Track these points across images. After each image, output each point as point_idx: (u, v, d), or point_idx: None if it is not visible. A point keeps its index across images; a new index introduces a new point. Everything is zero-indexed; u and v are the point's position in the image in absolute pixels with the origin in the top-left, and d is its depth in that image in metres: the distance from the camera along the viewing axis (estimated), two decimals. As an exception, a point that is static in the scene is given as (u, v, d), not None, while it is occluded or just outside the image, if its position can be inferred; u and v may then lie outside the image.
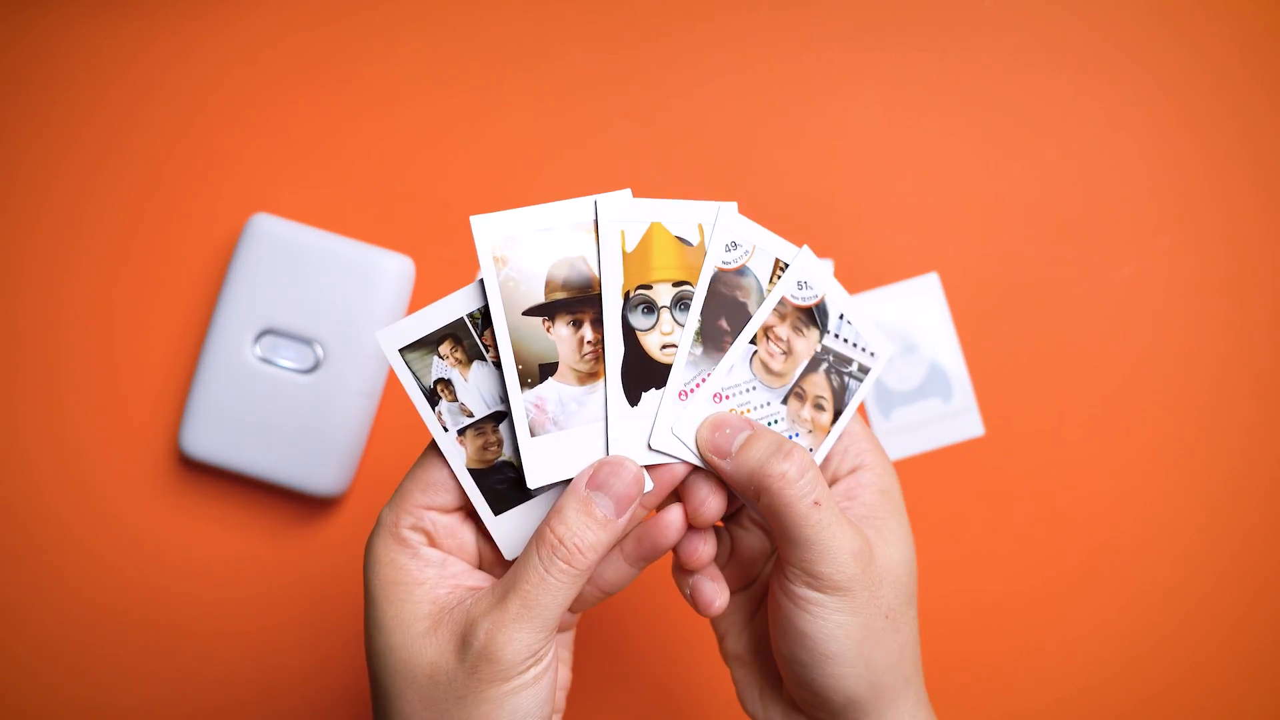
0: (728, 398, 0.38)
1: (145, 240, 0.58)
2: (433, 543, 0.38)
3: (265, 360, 0.54)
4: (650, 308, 0.38)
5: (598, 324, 0.38)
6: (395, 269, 0.55)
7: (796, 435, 0.39)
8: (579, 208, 0.38)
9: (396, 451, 0.57)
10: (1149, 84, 0.57)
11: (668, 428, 0.38)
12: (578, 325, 0.38)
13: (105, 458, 0.57)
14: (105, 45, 0.59)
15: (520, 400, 0.37)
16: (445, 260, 0.57)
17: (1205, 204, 0.56)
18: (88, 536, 0.57)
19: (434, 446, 0.39)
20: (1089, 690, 0.55)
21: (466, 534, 0.39)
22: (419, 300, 0.57)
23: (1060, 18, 0.57)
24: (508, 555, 0.38)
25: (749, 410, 0.39)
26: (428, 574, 0.38)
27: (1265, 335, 0.56)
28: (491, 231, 0.39)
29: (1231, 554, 0.55)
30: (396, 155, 0.58)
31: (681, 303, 0.38)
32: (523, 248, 0.38)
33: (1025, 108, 0.57)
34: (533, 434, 0.38)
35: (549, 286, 0.38)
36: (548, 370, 0.38)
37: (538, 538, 0.36)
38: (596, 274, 0.38)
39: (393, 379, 0.57)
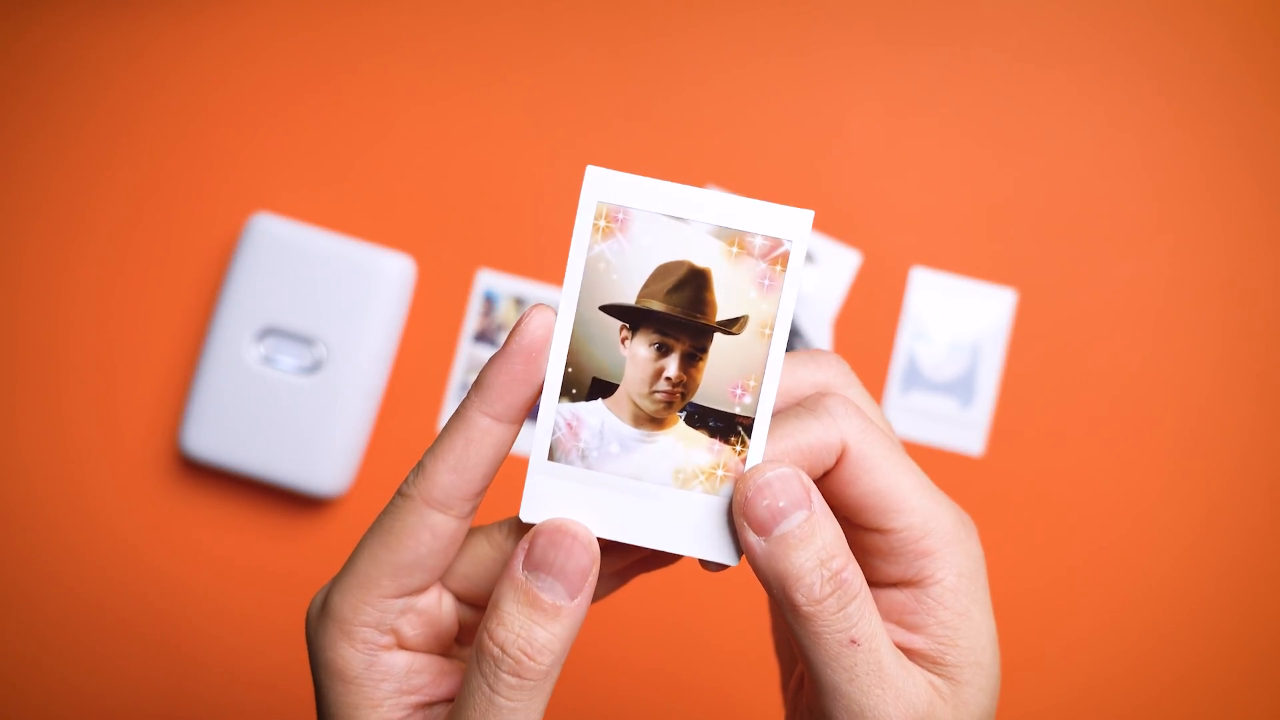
0: None
1: (145, 240, 0.58)
2: (400, 643, 0.30)
3: (266, 360, 0.54)
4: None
5: (691, 360, 0.29)
6: (395, 269, 0.55)
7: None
8: (730, 210, 0.29)
9: (396, 451, 0.57)
10: (1149, 83, 0.57)
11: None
12: (662, 352, 0.29)
13: (105, 458, 0.57)
14: (105, 45, 0.59)
15: (552, 410, 0.29)
16: (445, 260, 0.57)
17: (1205, 204, 0.56)
18: (88, 536, 0.57)
19: (402, 503, 0.29)
20: (1090, 690, 0.55)
21: (445, 605, 0.31)
22: (419, 300, 0.57)
23: (1060, 17, 0.57)
24: (524, 516, 0.29)
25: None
26: (383, 690, 0.30)
27: (1265, 335, 0.56)
28: (608, 191, 0.29)
29: (1232, 554, 0.55)
30: (396, 155, 0.58)
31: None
32: (639, 227, 0.29)
33: (1025, 107, 0.57)
34: (551, 456, 0.29)
35: (647, 289, 0.29)
36: (601, 389, 0.29)
37: (476, 647, 0.28)
38: (716, 299, 0.29)
39: (393, 378, 0.57)
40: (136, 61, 0.59)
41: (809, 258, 0.55)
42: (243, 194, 0.58)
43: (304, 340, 0.54)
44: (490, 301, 0.57)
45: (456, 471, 0.29)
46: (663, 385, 0.29)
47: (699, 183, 0.57)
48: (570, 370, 0.29)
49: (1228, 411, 0.56)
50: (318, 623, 0.30)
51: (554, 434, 0.29)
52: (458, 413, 0.29)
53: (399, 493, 0.29)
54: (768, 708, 0.55)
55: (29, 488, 0.57)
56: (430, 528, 0.29)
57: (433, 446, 0.29)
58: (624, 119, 0.57)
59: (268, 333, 0.54)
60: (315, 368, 0.54)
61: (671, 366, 0.29)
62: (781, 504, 0.27)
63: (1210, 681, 0.55)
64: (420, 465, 0.29)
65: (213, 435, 0.54)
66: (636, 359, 0.29)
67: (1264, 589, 0.55)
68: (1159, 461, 0.56)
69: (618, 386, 0.29)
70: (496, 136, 0.57)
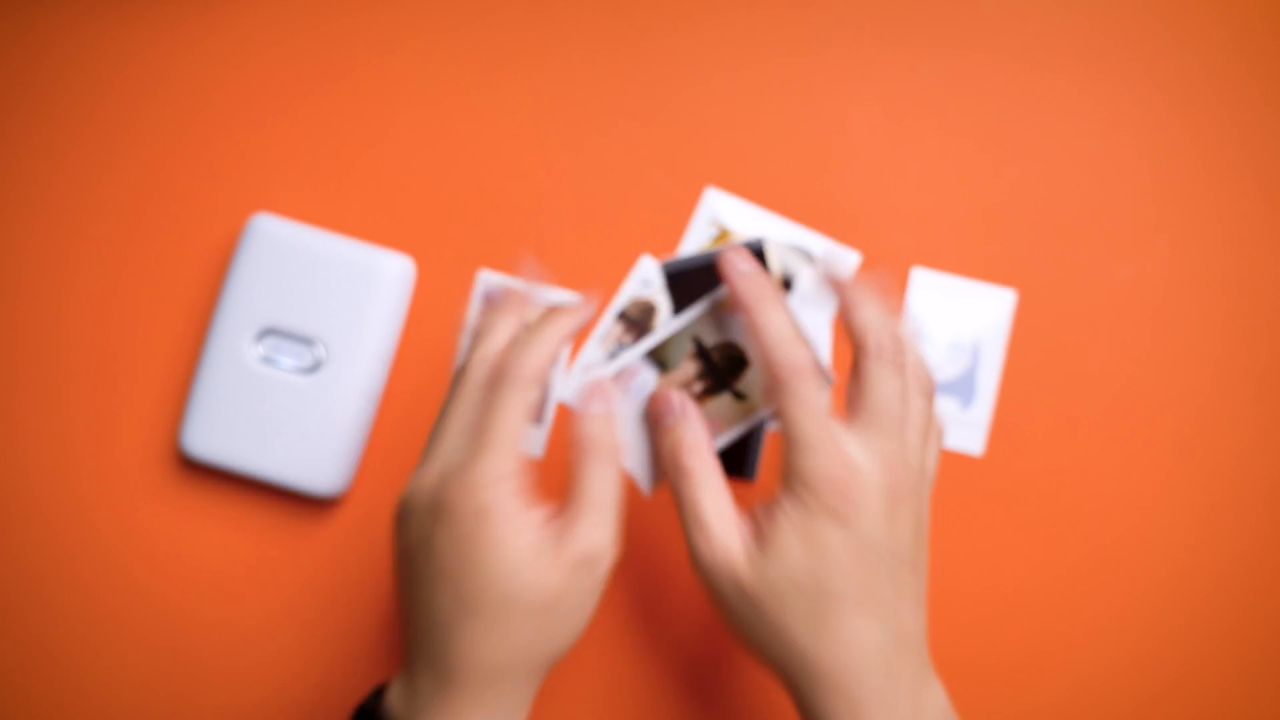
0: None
1: (145, 240, 0.58)
2: (530, 503, 0.42)
3: (265, 360, 0.54)
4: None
5: (711, 377, 0.46)
6: (395, 269, 0.55)
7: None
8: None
9: (396, 451, 0.57)
10: (1149, 83, 0.57)
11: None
12: (701, 359, 0.46)
13: (105, 458, 0.57)
14: (105, 45, 0.59)
15: (636, 355, 0.45)
16: (445, 260, 0.57)
17: (1205, 204, 0.56)
18: (87, 536, 0.57)
19: (515, 386, 0.42)
20: (1091, 691, 0.55)
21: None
22: (419, 300, 0.57)
23: (1060, 17, 0.57)
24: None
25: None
26: (535, 516, 0.42)
27: (1265, 335, 0.56)
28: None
29: (1232, 554, 0.55)
30: (396, 155, 0.58)
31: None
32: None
33: (1025, 108, 0.57)
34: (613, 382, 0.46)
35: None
36: (666, 365, 0.45)
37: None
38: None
39: (393, 378, 0.57)
40: (136, 61, 0.59)
41: (808, 257, 0.55)
42: (243, 194, 0.58)
43: (304, 340, 0.54)
44: (490, 302, 0.57)
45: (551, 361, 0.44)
46: (696, 387, 0.47)
47: (698, 182, 0.57)
48: (667, 339, 0.46)
49: (1228, 411, 0.56)
50: (479, 488, 0.40)
51: (623, 366, 0.45)
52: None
53: (509, 380, 0.42)
54: (767, 708, 0.55)
55: (28, 487, 0.58)
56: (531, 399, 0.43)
57: (524, 349, 0.43)
58: (624, 119, 0.57)
59: (267, 333, 0.54)
60: (315, 368, 0.54)
61: (696, 379, 0.47)
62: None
63: (1210, 681, 0.55)
64: (520, 360, 0.42)
65: (212, 435, 0.54)
66: (687, 358, 0.47)
67: (1265, 588, 0.55)
68: (1159, 461, 0.56)
69: (675, 371, 0.46)
70: (496, 136, 0.57)
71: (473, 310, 0.57)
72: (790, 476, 0.42)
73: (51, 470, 0.57)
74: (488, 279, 0.56)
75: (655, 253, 0.56)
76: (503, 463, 0.41)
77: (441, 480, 0.42)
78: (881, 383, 0.42)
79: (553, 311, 0.45)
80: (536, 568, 0.40)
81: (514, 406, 0.42)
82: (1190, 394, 0.56)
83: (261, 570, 0.57)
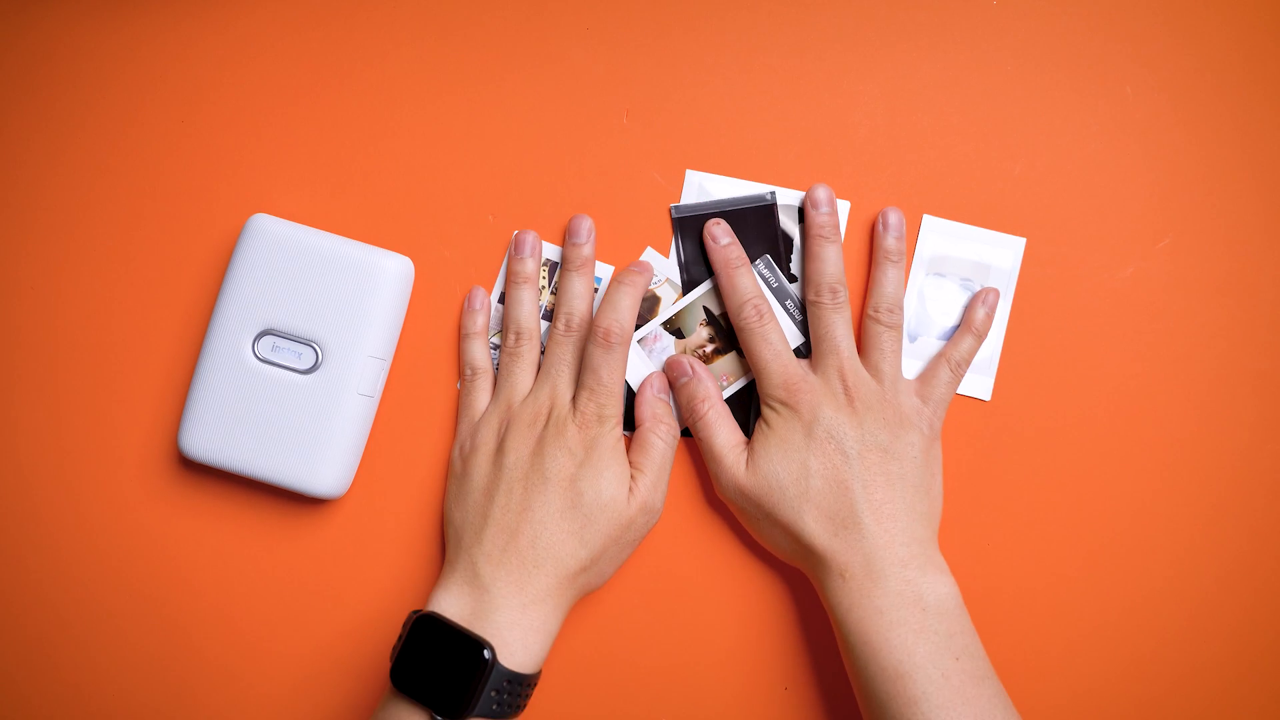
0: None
1: (145, 240, 0.58)
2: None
3: (265, 360, 0.54)
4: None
5: (720, 339, 0.56)
6: (395, 269, 0.55)
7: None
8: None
9: (397, 451, 0.57)
10: (1150, 84, 0.56)
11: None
12: (710, 325, 0.56)
13: (105, 458, 0.57)
14: (105, 45, 0.59)
15: (656, 326, 0.56)
16: (445, 260, 0.57)
17: (1206, 204, 0.56)
18: (87, 536, 0.57)
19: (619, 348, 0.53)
20: (1091, 691, 0.55)
21: None
22: (419, 300, 0.57)
23: (1061, 17, 0.57)
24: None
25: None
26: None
27: (1265, 335, 0.56)
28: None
29: (1232, 555, 0.55)
30: (396, 155, 0.58)
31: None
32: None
33: (1026, 107, 0.57)
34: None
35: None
36: (683, 332, 0.56)
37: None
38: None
39: (393, 378, 0.57)
40: (136, 61, 0.59)
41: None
42: (242, 194, 0.58)
43: (303, 341, 0.54)
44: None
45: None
46: (707, 348, 0.57)
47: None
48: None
49: (1228, 411, 0.56)
50: (595, 422, 0.52)
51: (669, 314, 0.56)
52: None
53: (615, 340, 0.52)
54: (766, 705, 0.55)
55: (28, 488, 0.58)
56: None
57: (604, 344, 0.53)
58: (624, 119, 0.57)
59: (267, 333, 0.54)
60: (314, 368, 0.54)
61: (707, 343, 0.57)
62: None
63: (1211, 681, 0.55)
64: (620, 323, 0.53)
65: (211, 436, 0.54)
66: (700, 328, 0.57)
67: (1265, 588, 0.55)
68: (1159, 461, 0.56)
69: (689, 336, 0.57)
70: (496, 136, 0.57)
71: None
72: (760, 396, 0.53)
73: (51, 470, 0.58)
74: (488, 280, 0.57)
75: (656, 247, 0.56)
76: (613, 407, 0.52)
77: (555, 406, 0.53)
78: (821, 322, 0.53)
79: (627, 274, 0.54)
80: (621, 498, 0.51)
81: (620, 362, 0.53)
82: (1190, 394, 0.56)
83: (261, 570, 0.57)
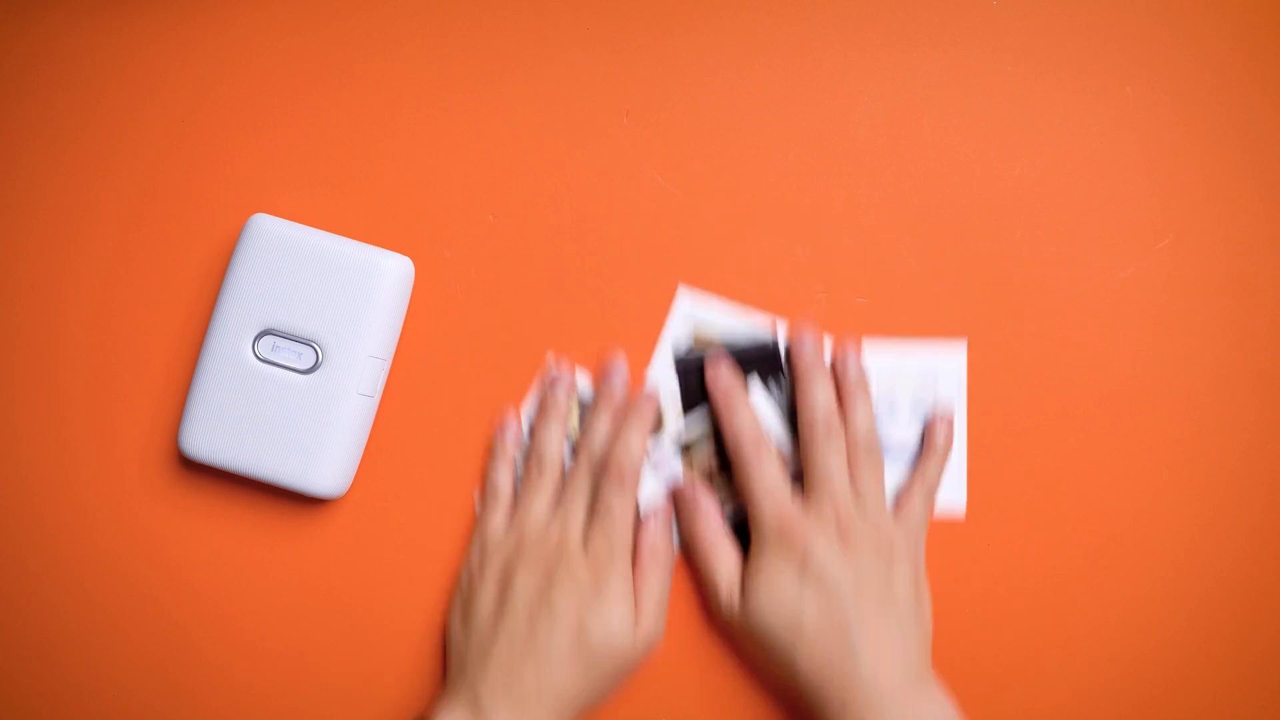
0: None
1: (145, 240, 0.58)
2: None
3: (265, 360, 0.54)
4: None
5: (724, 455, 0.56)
6: (395, 269, 0.55)
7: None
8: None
9: (396, 452, 0.57)
10: (1150, 84, 0.57)
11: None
12: (715, 441, 0.56)
13: (104, 458, 0.57)
14: (105, 45, 0.59)
15: (668, 449, 0.56)
16: (445, 260, 0.57)
17: (1206, 204, 0.56)
18: (87, 537, 0.57)
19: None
20: (1091, 691, 0.55)
21: None
22: (419, 300, 0.57)
23: (1061, 17, 0.57)
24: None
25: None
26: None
27: (1265, 335, 0.56)
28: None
29: (1232, 555, 0.55)
30: (396, 155, 0.58)
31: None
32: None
33: (1026, 107, 0.57)
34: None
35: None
36: (690, 448, 0.56)
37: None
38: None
39: (393, 378, 0.57)
40: (136, 62, 0.59)
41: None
42: (242, 194, 0.58)
43: (303, 340, 0.54)
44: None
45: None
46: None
47: (698, 182, 0.57)
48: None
49: (1228, 411, 0.56)
50: (605, 563, 0.53)
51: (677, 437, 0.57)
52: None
53: (627, 478, 0.54)
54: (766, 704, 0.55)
55: (27, 488, 0.58)
56: None
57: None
58: (624, 119, 0.57)
59: (267, 333, 0.54)
60: (314, 368, 0.54)
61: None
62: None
63: (1211, 681, 0.55)
64: (630, 462, 0.54)
65: (212, 435, 0.54)
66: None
67: (1265, 588, 0.55)
68: (1159, 462, 0.56)
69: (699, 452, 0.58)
70: (496, 136, 0.57)
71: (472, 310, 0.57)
72: (752, 534, 0.53)
73: (51, 470, 0.58)
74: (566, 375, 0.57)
75: (656, 246, 0.56)
76: (623, 544, 0.53)
77: (567, 540, 0.53)
78: (814, 455, 0.53)
79: (637, 409, 0.55)
80: (627, 636, 0.52)
81: (632, 498, 0.54)
82: (1190, 394, 0.56)
83: (261, 570, 0.57)
